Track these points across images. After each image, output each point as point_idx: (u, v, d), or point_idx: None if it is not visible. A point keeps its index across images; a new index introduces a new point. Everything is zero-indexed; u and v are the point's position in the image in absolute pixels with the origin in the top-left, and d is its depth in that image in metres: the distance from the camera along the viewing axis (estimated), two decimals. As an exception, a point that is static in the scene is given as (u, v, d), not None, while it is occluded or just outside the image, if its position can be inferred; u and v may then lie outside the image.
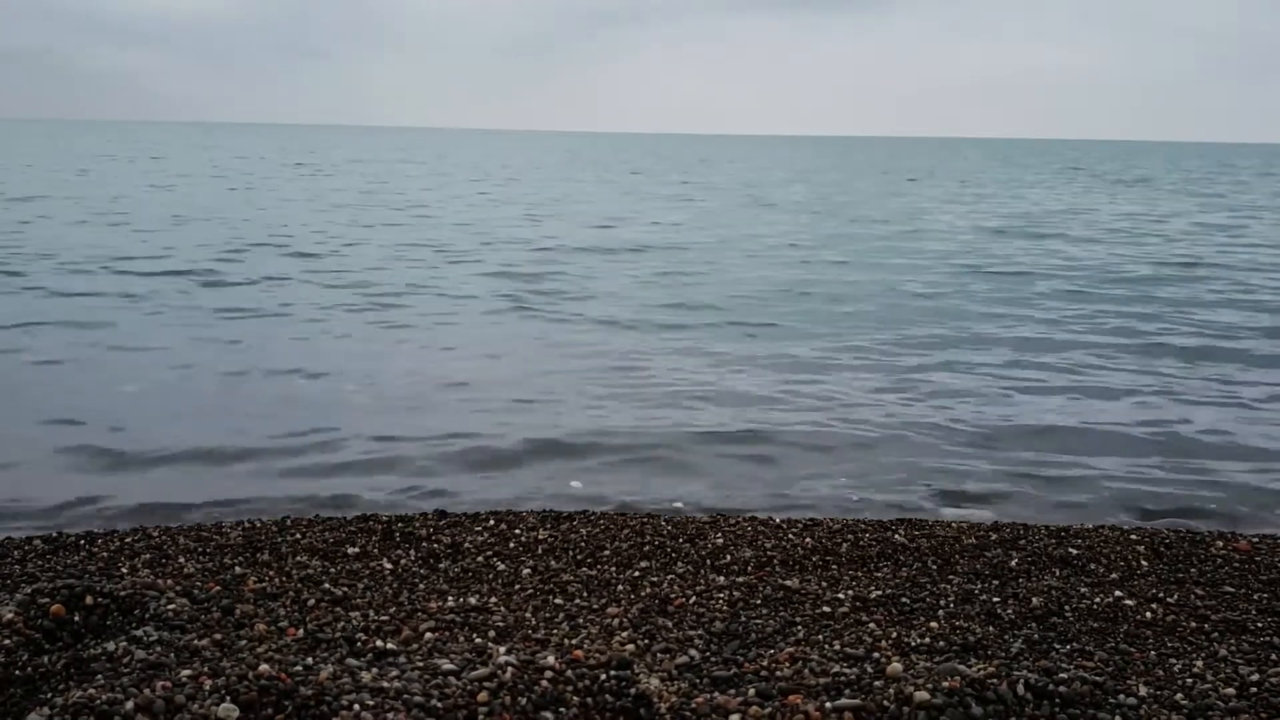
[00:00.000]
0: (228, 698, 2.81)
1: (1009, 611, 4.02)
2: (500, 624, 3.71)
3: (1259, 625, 3.95)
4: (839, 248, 19.11)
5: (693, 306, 12.46)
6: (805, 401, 8.12)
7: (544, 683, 2.97)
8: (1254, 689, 3.24)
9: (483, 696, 2.91)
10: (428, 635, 3.53)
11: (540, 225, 22.40)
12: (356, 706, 2.84)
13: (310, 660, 3.17)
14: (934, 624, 3.85)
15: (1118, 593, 4.28)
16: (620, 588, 4.20)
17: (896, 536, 5.01)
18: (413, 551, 4.64)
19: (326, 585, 4.09)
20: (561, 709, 2.89)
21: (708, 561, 4.60)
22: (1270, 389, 8.89)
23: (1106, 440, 7.30)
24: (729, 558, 4.64)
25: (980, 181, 47.41)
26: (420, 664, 3.18)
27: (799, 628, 3.76)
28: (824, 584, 4.29)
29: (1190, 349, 10.53)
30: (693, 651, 3.46)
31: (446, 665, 3.13)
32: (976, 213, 28.67)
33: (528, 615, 3.84)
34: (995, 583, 4.40)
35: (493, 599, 4.00)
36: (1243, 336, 11.27)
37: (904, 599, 4.11)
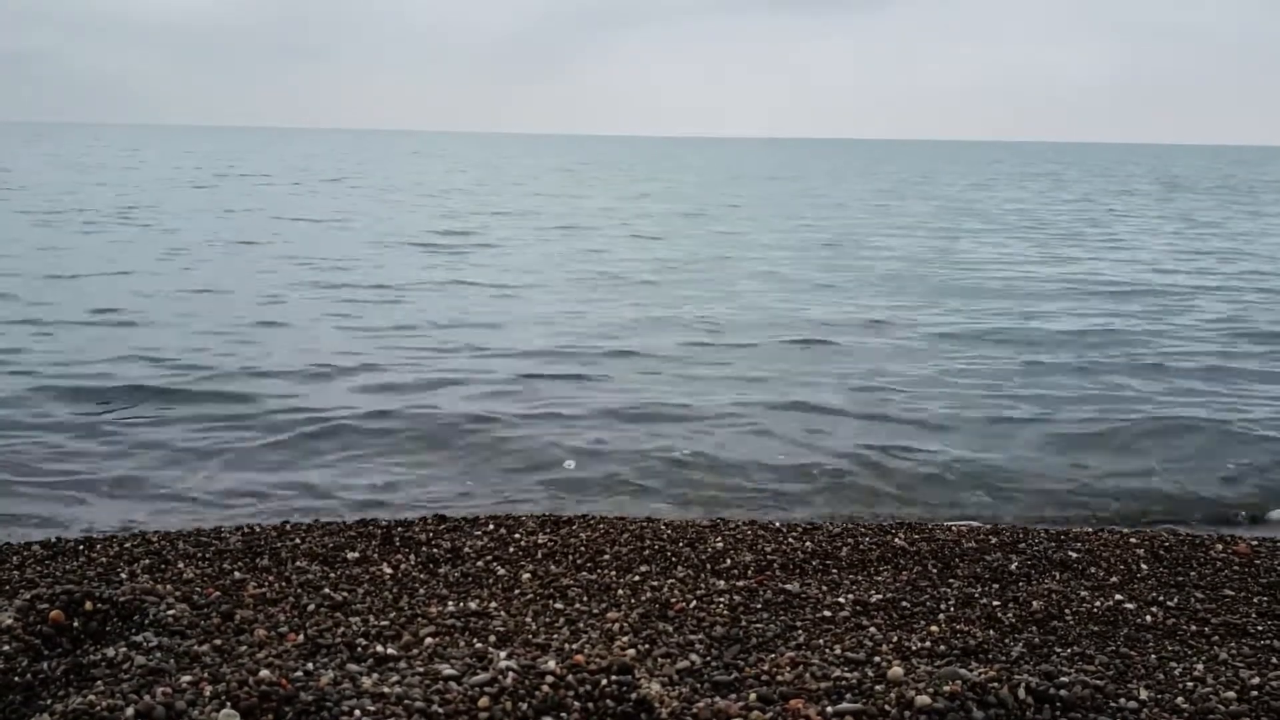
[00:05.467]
0: (228, 703, 2.80)
1: (1009, 615, 4.02)
2: (501, 629, 3.70)
3: (1259, 628, 3.95)
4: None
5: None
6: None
7: (545, 688, 2.97)
8: (1255, 692, 3.23)
9: (484, 702, 2.90)
10: (428, 640, 3.53)
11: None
12: (357, 712, 2.84)
13: (310, 666, 3.17)
14: (934, 628, 3.85)
15: (1118, 596, 4.28)
16: (620, 592, 4.19)
17: (896, 540, 5.01)
18: (412, 556, 4.63)
19: (326, 590, 4.08)
20: (562, 714, 2.89)
21: (708, 566, 4.59)
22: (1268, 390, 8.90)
23: (1107, 442, 7.30)
24: (729, 562, 4.64)
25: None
26: (421, 669, 3.18)
27: (800, 632, 3.76)
28: (824, 588, 4.29)
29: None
30: (693, 656, 3.46)
31: (447, 670, 3.13)
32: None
33: (528, 620, 3.83)
34: (995, 586, 4.40)
35: (493, 604, 4.00)
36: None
37: (904, 603, 4.11)
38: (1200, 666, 3.50)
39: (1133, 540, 5.16)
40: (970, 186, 44.85)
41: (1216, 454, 7.08)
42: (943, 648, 3.63)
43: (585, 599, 4.11)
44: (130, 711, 2.74)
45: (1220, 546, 5.11)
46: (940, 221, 26.29)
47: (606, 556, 4.67)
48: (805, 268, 16.59)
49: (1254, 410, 8.24)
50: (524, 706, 2.89)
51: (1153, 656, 3.63)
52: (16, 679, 3.06)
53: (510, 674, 3.02)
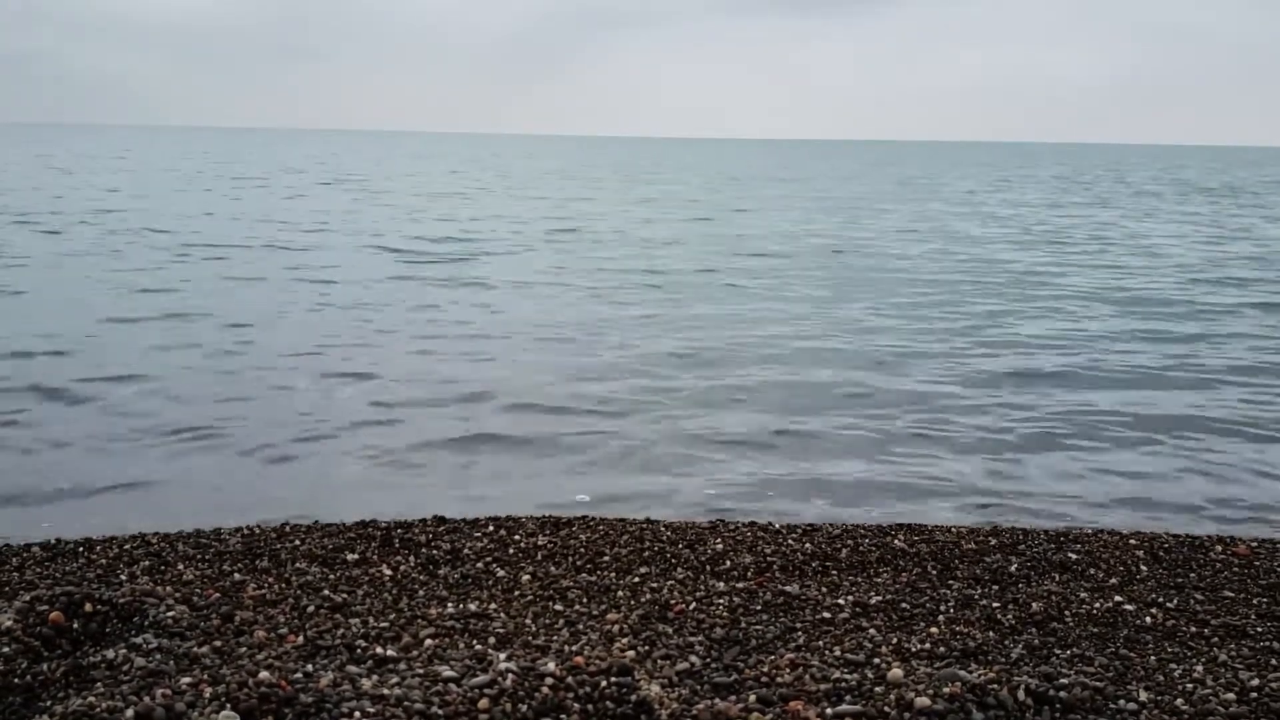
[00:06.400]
0: (228, 705, 2.80)
1: (1009, 617, 4.02)
2: (500, 630, 3.70)
3: (1258, 630, 3.95)
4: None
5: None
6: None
7: (545, 690, 2.97)
8: (1254, 694, 3.24)
9: (483, 704, 2.90)
10: (428, 642, 3.53)
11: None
12: (357, 714, 2.84)
13: (310, 667, 3.17)
14: (934, 629, 3.85)
15: (1117, 598, 4.28)
16: (620, 594, 4.20)
17: (896, 541, 5.01)
18: (412, 558, 4.64)
19: (326, 592, 4.08)
20: (562, 716, 2.89)
21: (707, 567, 4.60)
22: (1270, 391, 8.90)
23: (1106, 444, 7.30)
24: (729, 563, 4.64)
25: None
26: (421, 671, 3.18)
27: (799, 634, 3.76)
28: (824, 589, 4.29)
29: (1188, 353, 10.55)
30: (693, 658, 3.46)
31: (447, 672, 3.13)
32: None
33: (528, 622, 3.84)
34: (995, 588, 4.40)
35: (493, 605, 4.00)
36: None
37: (904, 604, 4.12)
38: (1200, 668, 3.50)
39: (1132, 542, 5.16)
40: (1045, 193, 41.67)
41: (1215, 452, 7.08)
42: (942, 649, 3.64)
43: (585, 600, 4.11)
44: (130, 713, 2.74)
45: (1220, 548, 5.11)
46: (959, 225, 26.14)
47: (606, 558, 4.68)
48: (816, 276, 16.28)
49: None
50: (524, 708, 2.89)
51: (1152, 658, 3.63)
52: (16, 680, 3.06)
53: (510, 675, 3.03)
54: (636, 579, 4.40)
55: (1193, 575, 4.67)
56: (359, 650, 3.41)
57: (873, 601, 4.13)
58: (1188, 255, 19.76)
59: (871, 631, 3.80)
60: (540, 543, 4.87)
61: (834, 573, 4.57)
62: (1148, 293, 14.83)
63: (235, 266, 15.60)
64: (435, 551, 4.71)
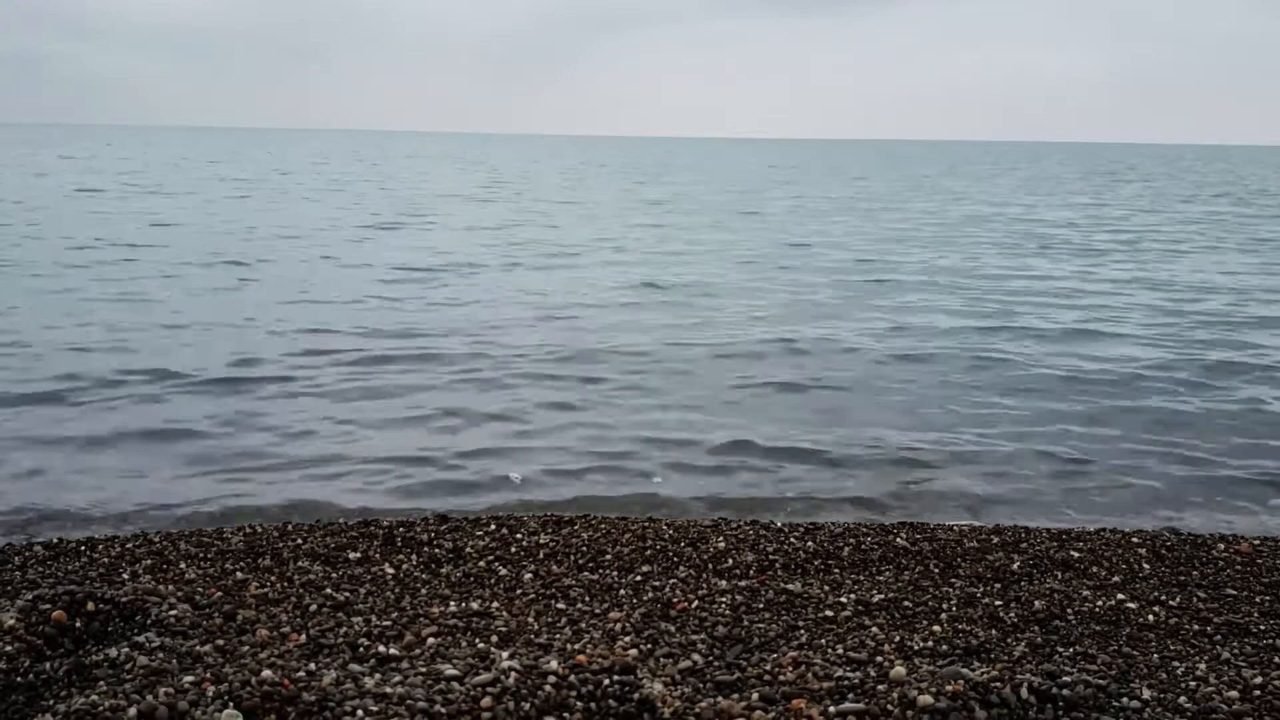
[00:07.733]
0: (231, 704, 2.80)
1: (1011, 615, 4.02)
2: (503, 629, 3.70)
3: (1261, 628, 3.95)
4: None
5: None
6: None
7: (547, 688, 2.97)
8: (1257, 692, 3.24)
9: (486, 702, 2.90)
10: (430, 640, 3.53)
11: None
12: (360, 712, 2.84)
13: (313, 666, 3.17)
14: (937, 628, 3.85)
15: (1120, 596, 4.28)
16: (622, 592, 4.20)
17: (898, 540, 5.01)
18: (414, 556, 4.64)
19: (328, 590, 4.08)
20: (565, 714, 2.89)
21: (710, 565, 4.59)
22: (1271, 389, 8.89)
23: (1108, 442, 7.30)
24: (731, 561, 4.64)
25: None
26: (423, 669, 3.18)
27: (802, 632, 3.76)
28: (826, 588, 4.29)
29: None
30: (696, 656, 3.46)
31: (449, 670, 3.13)
32: None
33: (530, 620, 3.84)
34: (997, 586, 4.40)
35: (495, 604, 4.00)
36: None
37: (906, 602, 4.11)
38: (1203, 666, 3.50)
39: (1134, 540, 5.16)
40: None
41: (1218, 451, 7.07)
42: (945, 647, 3.64)
43: (587, 599, 4.11)
44: (133, 712, 2.74)
45: (1222, 546, 5.10)
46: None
47: (608, 557, 4.67)
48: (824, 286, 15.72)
49: None
50: (526, 706, 2.89)
51: (1155, 656, 3.63)
52: (19, 679, 3.06)
53: (513, 674, 3.03)
54: (639, 577, 4.40)
55: (1195, 573, 4.66)
56: (362, 649, 3.41)
57: (875, 599, 4.13)
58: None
59: (874, 629, 3.79)
60: (542, 541, 4.87)
61: (836, 571, 4.57)
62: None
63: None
64: (437, 550, 4.71)
